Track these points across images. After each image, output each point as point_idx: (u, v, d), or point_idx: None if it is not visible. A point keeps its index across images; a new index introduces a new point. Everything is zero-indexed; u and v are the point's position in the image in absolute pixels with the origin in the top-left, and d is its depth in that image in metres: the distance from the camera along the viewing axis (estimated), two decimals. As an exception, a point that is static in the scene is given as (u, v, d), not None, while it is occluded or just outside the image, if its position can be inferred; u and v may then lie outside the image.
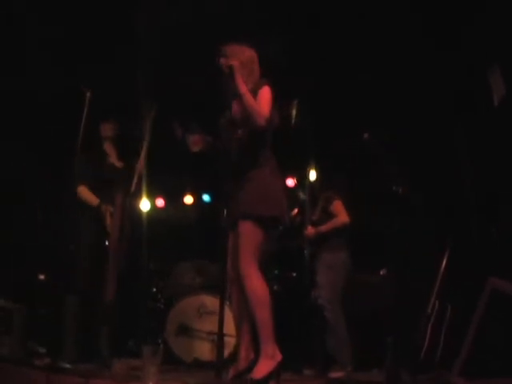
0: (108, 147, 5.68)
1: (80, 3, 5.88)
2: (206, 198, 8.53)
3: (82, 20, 6.04)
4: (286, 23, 6.00)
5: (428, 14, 5.66)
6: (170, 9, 5.95)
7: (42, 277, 6.63)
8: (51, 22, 6.04)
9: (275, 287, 6.46)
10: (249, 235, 4.05)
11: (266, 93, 4.11)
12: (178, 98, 6.87)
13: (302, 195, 7.01)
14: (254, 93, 4.12)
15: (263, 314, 3.96)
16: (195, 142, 4.35)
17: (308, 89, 6.24)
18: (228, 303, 4.94)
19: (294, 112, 6.05)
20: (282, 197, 4.17)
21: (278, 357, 3.95)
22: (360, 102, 6.59)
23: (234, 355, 5.57)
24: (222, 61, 4.19)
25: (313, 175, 7.68)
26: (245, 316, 4.15)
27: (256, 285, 4.00)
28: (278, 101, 4.21)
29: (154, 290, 6.56)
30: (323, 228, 5.85)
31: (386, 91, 6.41)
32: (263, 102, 4.07)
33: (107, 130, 5.67)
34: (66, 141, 5.16)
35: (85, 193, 5.39)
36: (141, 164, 5.37)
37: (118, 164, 5.66)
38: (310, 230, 5.90)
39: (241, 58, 4.21)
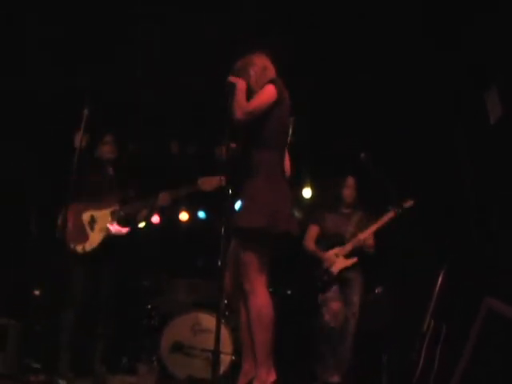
0: (108, 169, 5.65)
1: (80, 3, 5.90)
2: (201, 214, 8.52)
3: (82, 20, 6.03)
4: (285, 24, 6.02)
5: (428, 14, 5.65)
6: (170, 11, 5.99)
7: (36, 292, 6.60)
8: (51, 21, 6.06)
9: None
10: (246, 249, 3.99)
11: (264, 90, 4.08)
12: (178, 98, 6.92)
13: (296, 213, 6.99)
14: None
15: (263, 336, 3.89)
16: (221, 153, 4.35)
17: (307, 89, 6.25)
18: (223, 320, 4.93)
19: (290, 129, 6.06)
20: (274, 206, 3.99)
21: (272, 377, 3.88)
22: (359, 102, 6.60)
23: (228, 373, 5.61)
24: (231, 78, 4.17)
25: (307, 193, 7.69)
26: (247, 330, 4.05)
27: (260, 304, 3.93)
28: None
29: (149, 307, 6.51)
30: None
31: (385, 91, 6.42)
32: (256, 97, 4.06)
33: (106, 153, 5.66)
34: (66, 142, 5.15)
35: None
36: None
37: (112, 172, 5.65)
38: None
39: (254, 68, 4.22)
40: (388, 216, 5.69)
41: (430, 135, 6.26)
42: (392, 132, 6.29)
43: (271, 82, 4.13)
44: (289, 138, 4.33)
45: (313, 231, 6.11)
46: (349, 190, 6.05)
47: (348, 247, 5.81)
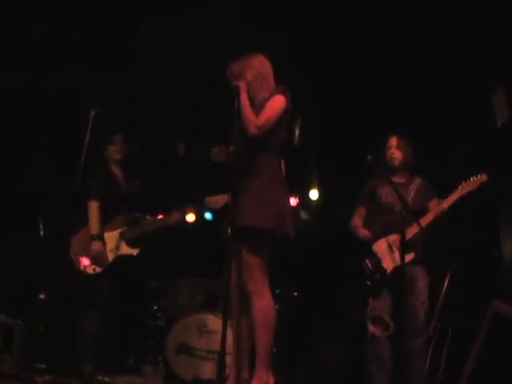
0: (115, 169, 5.69)
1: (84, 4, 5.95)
2: (207, 215, 8.50)
3: (84, 20, 6.15)
4: (287, 29, 6.06)
5: (437, 16, 5.72)
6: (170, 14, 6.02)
7: (42, 296, 6.59)
8: (52, 21, 6.11)
9: (276, 306, 6.43)
10: (250, 249, 4.01)
11: (274, 101, 4.11)
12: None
13: (303, 215, 6.96)
14: (267, 101, 4.13)
15: (266, 337, 3.95)
16: (218, 155, 4.39)
17: (314, 90, 6.26)
18: (229, 322, 4.94)
19: (297, 130, 6.05)
20: (278, 208, 4.07)
21: (271, 380, 3.94)
22: (366, 103, 6.63)
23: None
24: (232, 83, 4.19)
25: (314, 194, 7.62)
26: (243, 335, 4.13)
27: (266, 305, 3.99)
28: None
29: (155, 308, 6.52)
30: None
31: (392, 93, 6.45)
32: (267, 109, 4.07)
33: (113, 152, 5.70)
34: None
35: (94, 212, 5.44)
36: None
37: (127, 187, 5.71)
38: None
39: (252, 71, 4.23)
40: (480, 180, 4.87)
41: (435, 137, 6.26)
42: (397, 132, 6.28)
43: (281, 92, 4.15)
44: (295, 140, 4.36)
45: (361, 212, 5.38)
46: (392, 150, 5.26)
47: (426, 220, 4.88)
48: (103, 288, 5.40)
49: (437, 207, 4.94)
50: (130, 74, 6.63)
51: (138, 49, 6.52)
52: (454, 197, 4.90)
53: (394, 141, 5.30)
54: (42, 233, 6.37)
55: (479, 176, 4.89)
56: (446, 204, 4.89)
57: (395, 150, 5.25)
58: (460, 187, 4.91)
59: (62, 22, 6.15)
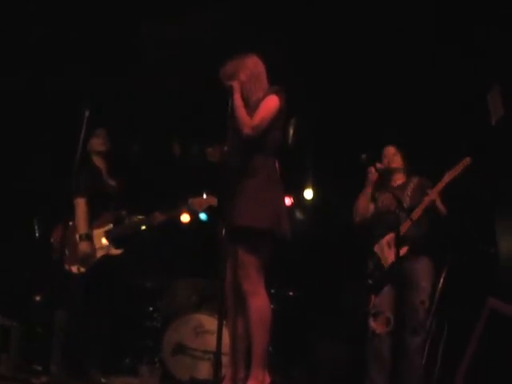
0: (98, 162, 5.62)
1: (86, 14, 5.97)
2: (202, 216, 8.49)
3: (83, 20, 6.14)
4: (287, 29, 6.05)
5: (433, 15, 5.71)
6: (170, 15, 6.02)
7: (37, 298, 6.57)
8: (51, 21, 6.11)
9: (271, 306, 6.42)
10: (247, 249, 4.00)
11: (268, 101, 4.08)
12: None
13: (298, 214, 6.94)
14: (261, 101, 4.11)
15: (262, 337, 3.93)
16: (213, 154, 4.37)
17: (309, 90, 6.25)
18: (225, 322, 4.93)
19: (291, 130, 6.03)
20: (276, 208, 4.05)
21: (267, 380, 3.92)
22: (361, 103, 6.61)
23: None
24: (226, 83, 4.16)
25: (309, 194, 7.63)
26: (239, 334, 4.12)
27: (262, 305, 3.97)
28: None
29: (151, 309, 6.51)
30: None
31: (387, 91, 6.44)
32: (261, 110, 4.04)
33: (97, 145, 5.61)
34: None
35: (81, 208, 5.32)
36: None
37: (112, 182, 5.62)
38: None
39: (245, 72, 4.20)
40: (464, 163, 4.86)
41: (435, 137, 6.24)
42: (394, 132, 6.27)
43: (275, 92, 4.13)
44: (290, 139, 4.34)
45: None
46: (388, 159, 5.36)
47: (416, 213, 4.90)
48: (77, 288, 5.26)
49: (426, 198, 4.96)
50: (130, 73, 6.62)
51: (138, 49, 6.51)
52: (440, 185, 4.93)
53: (390, 150, 5.42)
54: (37, 234, 6.34)
55: (463, 161, 4.89)
56: (433, 194, 4.94)
57: (395, 158, 5.38)
58: (446, 175, 4.92)
59: (62, 21, 6.15)
